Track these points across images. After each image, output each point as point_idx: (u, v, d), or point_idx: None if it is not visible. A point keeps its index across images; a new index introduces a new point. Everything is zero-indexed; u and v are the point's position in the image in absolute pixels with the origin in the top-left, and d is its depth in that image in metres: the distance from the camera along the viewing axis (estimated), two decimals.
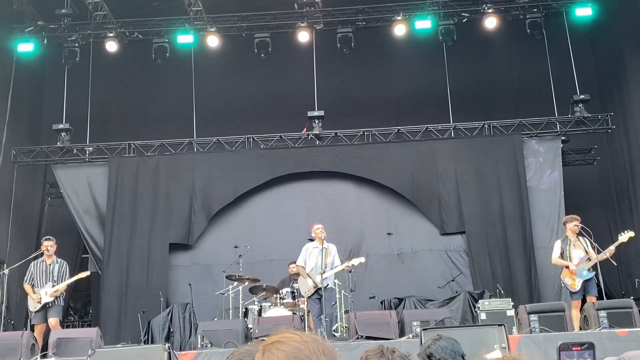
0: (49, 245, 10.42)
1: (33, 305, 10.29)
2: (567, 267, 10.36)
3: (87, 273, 11.15)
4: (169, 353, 7.59)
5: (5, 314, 12.10)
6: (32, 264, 10.59)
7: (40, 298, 10.21)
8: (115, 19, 14.89)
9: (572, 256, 10.38)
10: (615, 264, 10.88)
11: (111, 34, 14.67)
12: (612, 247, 10.21)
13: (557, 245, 10.64)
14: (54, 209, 15.18)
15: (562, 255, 10.47)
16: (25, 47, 14.44)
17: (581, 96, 14.19)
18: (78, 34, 14.63)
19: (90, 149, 14.82)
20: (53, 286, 10.26)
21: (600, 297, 10.65)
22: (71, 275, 10.54)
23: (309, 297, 10.48)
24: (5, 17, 14.52)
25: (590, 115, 14.28)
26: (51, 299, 10.22)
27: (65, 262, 10.65)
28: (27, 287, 10.39)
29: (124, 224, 14.23)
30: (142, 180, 14.53)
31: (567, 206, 13.84)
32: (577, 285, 10.24)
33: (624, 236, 10.22)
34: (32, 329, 10.18)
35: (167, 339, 12.03)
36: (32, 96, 15.89)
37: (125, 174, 14.50)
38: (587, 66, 15.69)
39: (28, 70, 15.18)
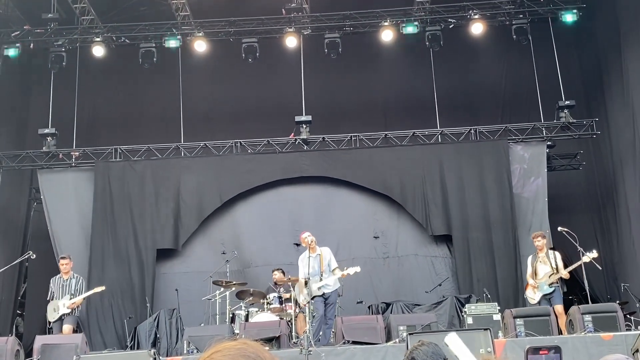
0: (64, 263, 11.17)
1: (52, 316, 10.87)
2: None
3: (102, 288, 11.51)
4: (155, 359, 7.59)
5: None
6: (51, 280, 11.23)
7: (53, 315, 10.83)
8: (102, 23, 14.86)
9: (538, 271, 10.82)
10: (600, 268, 11.02)
11: (98, 39, 14.63)
12: (565, 271, 10.69)
13: (529, 261, 11.13)
14: (39, 214, 15.04)
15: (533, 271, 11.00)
16: (11, 52, 14.34)
17: (566, 102, 14.27)
18: (65, 39, 14.55)
19: (77, 153, 14.73)
20: (70, 299, 10.85)
21: (585, 301, 10.83)
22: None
23: (312, 297, 10.53)
24: None
25: (575, 120, 14.37)
26: (68, 311, 10.81)
27: (82, 277, 11.37)
28: (49, 305, 11.00)
29: (110, 229, 14.15)
30: (128, 185, 14.47)
31: (553, 211, 13.93)
32: (536, 299, 10.70)
33: (587, 257, 10.45)
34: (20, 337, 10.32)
35: (154, 344, 11.99)
36: (18, 100, 15.81)
37: (111, 178, 14.42)
38: (573, 72, 15.80)
39: (14, 75, 15.11)
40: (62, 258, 11.30)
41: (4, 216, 14.61)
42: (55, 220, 14.19)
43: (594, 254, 10.44)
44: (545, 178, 14.18)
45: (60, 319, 10.78)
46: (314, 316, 10.15)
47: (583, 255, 10.49)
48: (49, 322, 10.88)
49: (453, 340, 3.42)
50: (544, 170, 14.26)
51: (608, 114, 14.84)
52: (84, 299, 11.07)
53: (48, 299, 11.01)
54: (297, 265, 11.08)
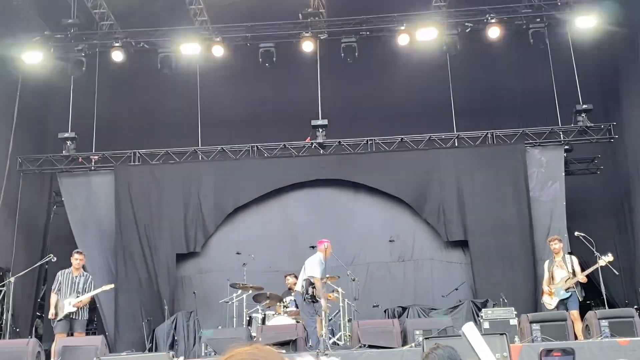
0: (79, 258, 10.89)
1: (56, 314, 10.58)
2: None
3: (112, 286, 11.43)
4: None
5: (11, 322, 12.19)
6: (59, 273, 10.94)
7: (55, 313, 10.52)
8: (121, 28, 15.00)
9: (555, 276, 10.75)
10: (617, 273, 10.96)
11: (117, 44, 14.75)
12: (582, 275, 10.61)
13: (545, 266, 11.05)
14: (59, 217, 15.25)
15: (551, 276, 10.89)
16: (32, 57, 14.52)
17: (584, 106, 14.21)
18: (84, 44, 14.71)
19: (96, 157, 14.90)
20: (77, 297, 10.60)
21: (603, 306, 10.79)
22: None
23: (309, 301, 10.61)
24: (11, 27, 14.64)
25: (593, 124, 14.31)
26: (74, 309, 10.55)
27: (90, 276, 11.11)
28: (53, 297, 10.71)
29: (129, 231, 14.31)
30: (147, 188, 14.62)
31: (571, 215, 13.87)
32: (553, 304, 10.62)
33: (602, 260, 10.36)
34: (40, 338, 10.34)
35: (171, 347, 12.09)
36: (38, 105, 15.99)
37: (131, 183, 14.58)
38: (590, 76, 15.68)
39: (34, 80, 15.28)
40: (78, 253, 11.05)
41: (25, 219, 14.78)
42: (76, 223, 14.37)
43: (609, 257, 10.38)
44: (562, 182, 14.13)
45: (66, 319, 10.56)
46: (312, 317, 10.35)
47: (599, 259, 10.43)
48: (53, 321, 10.66)
49: (470, 330, 3.40)
50: (562, 174, 14.21)
51: (624, 118, 14.77)
52: (91, 297, 10.83)
53: (54, 290, 10.72)
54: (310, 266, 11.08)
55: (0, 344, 10.16)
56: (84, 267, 11.27)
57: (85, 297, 10.64)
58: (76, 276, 10.79)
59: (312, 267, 10.81)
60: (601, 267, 10.49)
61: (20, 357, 9.30)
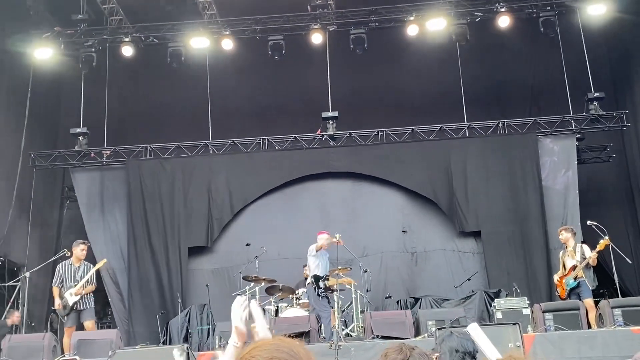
0: (85, 248, 10.86)
1: (63, 312, 10.58)
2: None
3: (104, 261, 11.44)
4: (188, 353, 7.73)
5: (26, 316, 12.29)
6: (59, 266, 10.92)
7: (62, 305, 10.50)
8: (130, 23, 15.05)
9: (566, 265, 10.71)
10: (630, 262, 10.91)
11: (127, 39, 14.81)
12: (591, 259, 10.40)
13: (560, 257, 11.02)
14: (72, 212, 15.36)
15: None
16: (43, 53, 14.59)
17: (596, 94, 14.11)
18: (94, 39, 14.77)
19: (108, 152, 14.97)
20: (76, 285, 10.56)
21: (616, 295, 10.75)
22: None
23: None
24: (22, 24, 14.70)
25: (605, 112, 14.21)
26: (77, 298, 10.49)
27: (90, 264, 11.00)
28: (55, 290, 10.70)
29: (142, 226, 14.38)
30: (159, 183, 14.68)
31: (584, 204, 13.81)
32: (565, 294, 10.59)
33: (601, 243, 10.29)
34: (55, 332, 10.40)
35: (185, 339, 12.16)
36: (49, 101, 16.08)
37: (143, 177, 14.65)
38: (602, 64, 15.60)
39: (45, 76, 15.36)
40: (84, 243, 10.99)
41: (38, 215, 14.90)
42: (89, 218, 14.47)
43: (605, 239, 10.29)
44: (575, 171, 14.06)
45: (74, 311, 10.53)
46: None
47: (612, 248, 10.38)
48: (64, 317, 10.65)
49: (474, 330, 3.52)
50: (574, 163, 14.14)
51: (636, 106, 14.67)
52: (92, 282, 10.72)
53: (55, 285, 10.69)
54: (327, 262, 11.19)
55: (17, 338, 10.24)
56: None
57: (83, 282, 10.52)
58: (77, 266, 10.73)
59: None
60: (614, 255, 10.45)
61: (37, 351, 9.41)
